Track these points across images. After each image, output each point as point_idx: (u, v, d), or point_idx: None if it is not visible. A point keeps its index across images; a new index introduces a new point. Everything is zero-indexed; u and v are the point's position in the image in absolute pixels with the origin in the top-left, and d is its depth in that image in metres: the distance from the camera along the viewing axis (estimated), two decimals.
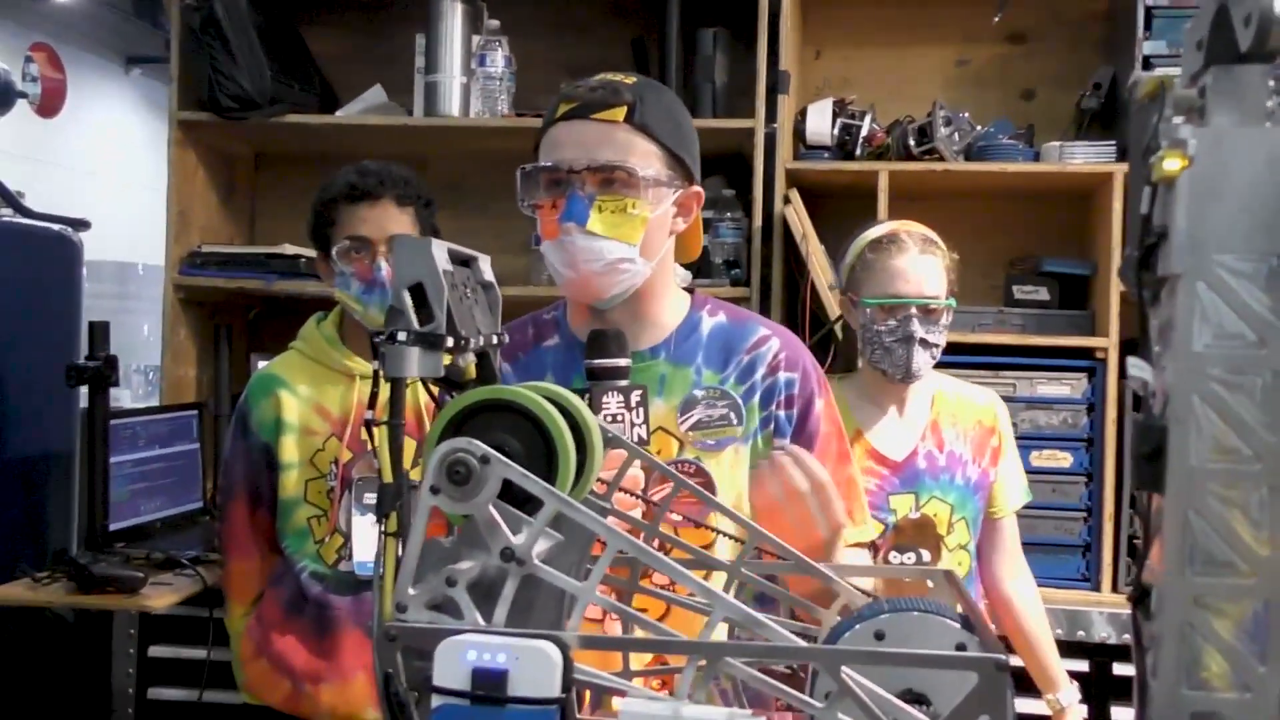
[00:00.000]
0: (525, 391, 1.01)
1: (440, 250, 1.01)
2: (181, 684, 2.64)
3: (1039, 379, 2.78)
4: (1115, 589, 2.69)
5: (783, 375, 1.57)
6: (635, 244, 1.48)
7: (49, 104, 9.68)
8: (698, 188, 1.58)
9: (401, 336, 0.96)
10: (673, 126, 1.53)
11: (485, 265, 1.15)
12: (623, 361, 1.39)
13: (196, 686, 2.53)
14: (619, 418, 1.39)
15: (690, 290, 1.65)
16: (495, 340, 1.10)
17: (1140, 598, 0.78)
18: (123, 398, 5.43)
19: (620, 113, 1.48)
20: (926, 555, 2.18)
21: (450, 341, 0.99)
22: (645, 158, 1.49)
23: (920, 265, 2.17)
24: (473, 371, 1.07)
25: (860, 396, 2.27)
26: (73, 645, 2.87)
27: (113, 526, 2.63)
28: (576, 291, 1.53)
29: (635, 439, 1.40)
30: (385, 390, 0.97)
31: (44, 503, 2.94)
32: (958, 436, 2.25)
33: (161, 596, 2.41)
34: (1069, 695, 2.30)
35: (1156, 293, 0.79)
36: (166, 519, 2.88)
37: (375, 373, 0.96)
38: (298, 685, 2.15)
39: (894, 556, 2.17)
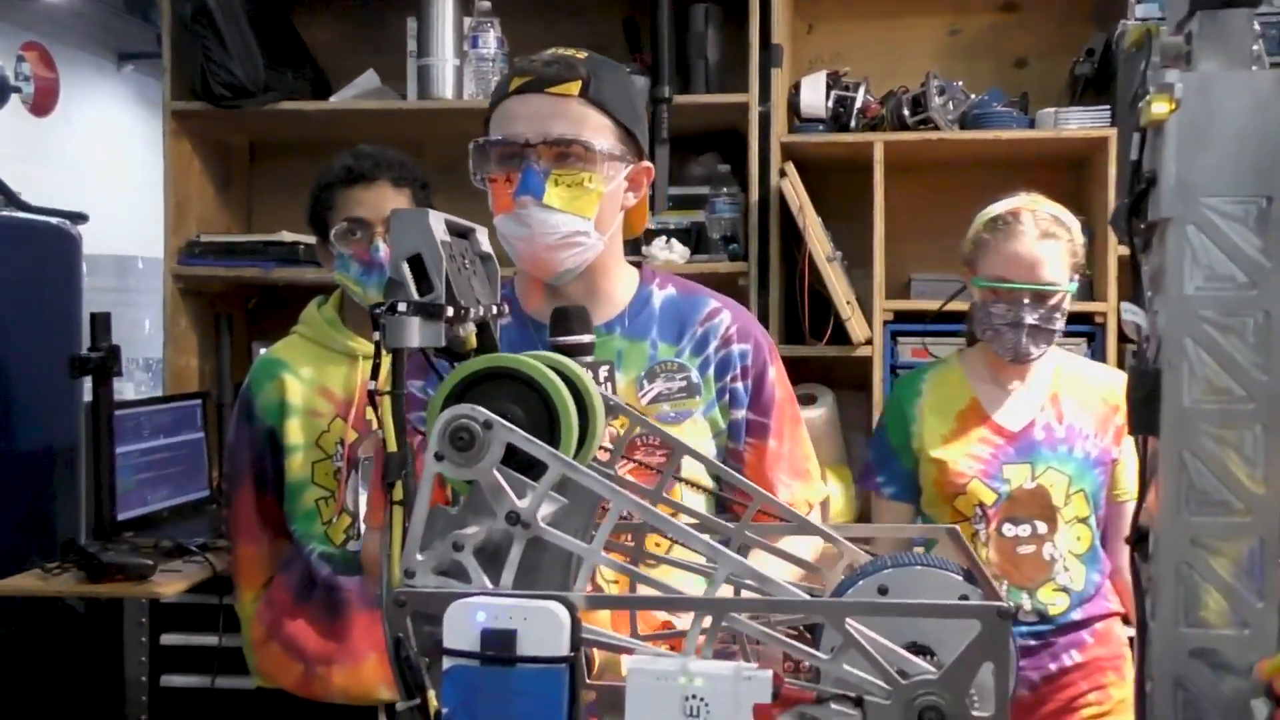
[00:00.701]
0: (527, 359, 1.02)
1: (438, 221, 1.01)
2: (194, 671, 2.66)
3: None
4: None
5: (736, 347, 1.60)
6: (590, 218, 1.50)
7: (42, 102, 9.67)
8: (648, 163, 1.59)
9: (401, 307, 0.97)
10: (624, 101, 1.55)
11: (483, 237, 1.15)
12: (587, 338, 1.37)
13: (209, 673, 2.54)
14: None
15: (638, 264, 1.67)
16: (495, 311, 1.11)
17: (1138, 540, 0.79)
18: (125, 391, 5.45)
19: (575, 87, 1.49)
20: (1042, 526, 2.14)
21: (450, 311, 1.00)
22: (599, 132, 1.50)
23: (1037, 251, 2.11)
24: (473, 342, 1.08)
25: (978, 369, 2.25)
26: (85, 636, 2.88)
27: (120, 516, 2.65)
28: (532, 265, 1.53)
29: None
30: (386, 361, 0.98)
31: (51, 495, 2.95)
32: (1079, 410, 2.20)
33: (171, 583, 2.42)
34: None
35: (1148, 239, 0.79)
36: (173, 508, 2.89)
37: (376, 344, 0.97)
38: (310, 668, 2.17)
39: (1007, 527, 2.13)
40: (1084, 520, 2.17)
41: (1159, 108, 0.72)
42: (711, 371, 1.59)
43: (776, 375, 1.62)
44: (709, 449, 1.57)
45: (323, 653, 2.16)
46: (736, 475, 1.24)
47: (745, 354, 1.60)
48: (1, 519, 2.76)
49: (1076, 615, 2.16)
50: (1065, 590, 2.15)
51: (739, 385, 1.59)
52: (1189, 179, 0.74)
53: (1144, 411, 0.76)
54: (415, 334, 0.97)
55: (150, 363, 6.21)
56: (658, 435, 1.31)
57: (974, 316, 2.22)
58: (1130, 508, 2.21)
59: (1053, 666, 2.15)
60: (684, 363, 1.58)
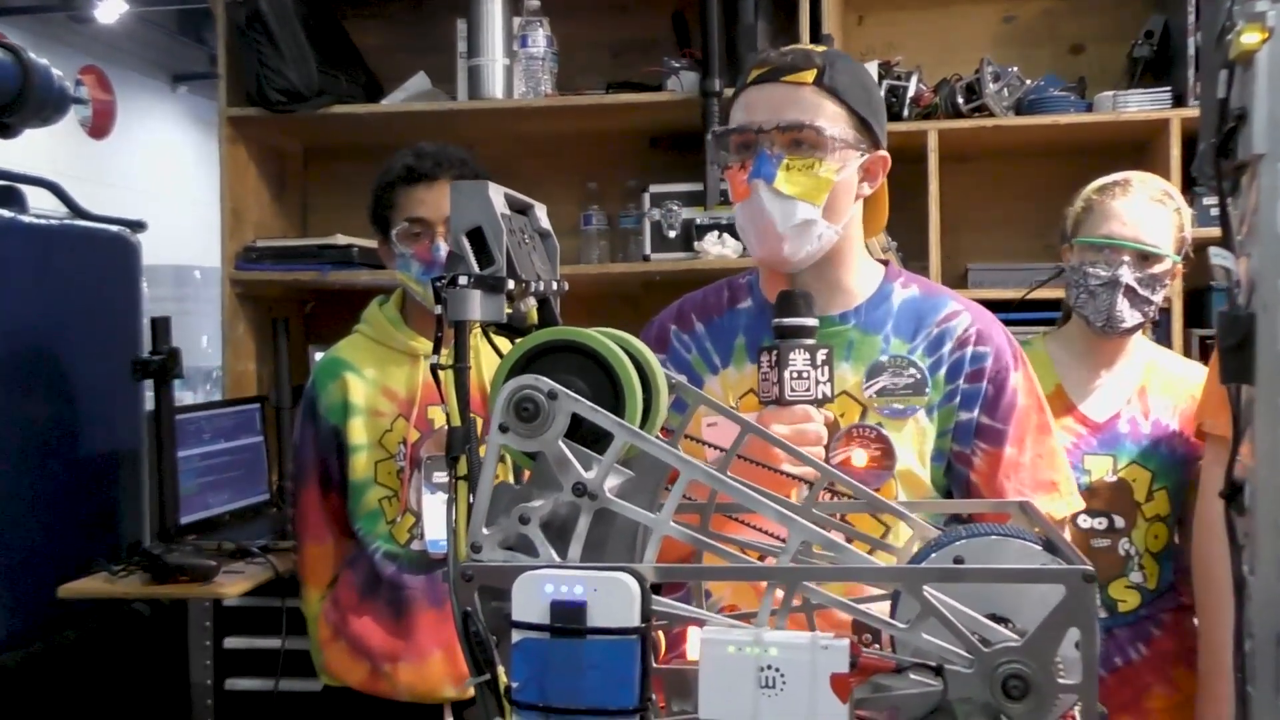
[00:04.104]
0: (589, 332, 1.00)
1: (497, 194, 1.00)
2: (257, 674, 2.67)
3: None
4: None
5: (970, 349, 1.55)
6: (819, 205, 1.48)
7: (100, 125, 9.86)
8: (884, 153, 1.57)
9: (462, 280, 0.96)
10: (860, 91, 1.54)
11: (541, 213, 1.14)
12: (810, 321, 1.42)
13: (272, 676, 2.56)
14: (804, 374, 1.41)
15: (885, 262, 1.65)
16: (555, 286, 1.10)
17: (1232, 495, 0.76)
18: (185, 400, 5.50)
19: (809, 75, 1.49)
20: (1120, 521, 2.08)
21: (511, 285, 0.98)
22: (833, 119, 1.49)
23: (1144, 211, 2.05)
24: (534, 316, 1.07)
25: (1066, 351, 2.17)
26: (151, 640, 2.91)
27: (183, 520, 2.67)
28: (764, 253, 1.53)
29: (819, 396, 1.41)
30: None
31: (116, 499, 2.98)
32: (1167, 407, 2.12)
33: (234, 584, 2.44)
34: None
35: (1236, 181, 0.76)
36: (234, 511, 2.91)
37: (438, 317, 0.96)
38: (376, 666, 2.17)
39: (1083, 519, 2.07)
40: (1164, 519, 2.11)
41: (1250, 38, 0.69)
42: (943, 372, 1.54)
43: (1021, 382, 1.56)
44: (928, 449, 1.54)
45: (389, 650, 2.16)
46: (807, 454, 1.21)
47: (981, 356, 1.54)
48: (68, 523, 2.79)
49: (1144, 611, 2.10)
50: (1137, 588, 2.09)
51: (970, 387, 1.54)
52: None
53: (1237, 359, 0.73)
54: (477, 307, 0.96)
55: (207, 372, 6.27)
56: (735, 422, 1.29)
57: (1069, 285, 2.14)
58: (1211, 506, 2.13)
59: (1118, 660, 2.09)
60: (914, 360, 1.54)
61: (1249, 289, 0.73)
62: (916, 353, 1.55)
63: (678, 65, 3.01)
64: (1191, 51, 2.81)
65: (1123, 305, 2.04)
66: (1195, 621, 2.14)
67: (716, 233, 2.97)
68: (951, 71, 3.01)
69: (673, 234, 3.03)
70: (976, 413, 1.53)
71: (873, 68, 2.98)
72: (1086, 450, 2.11)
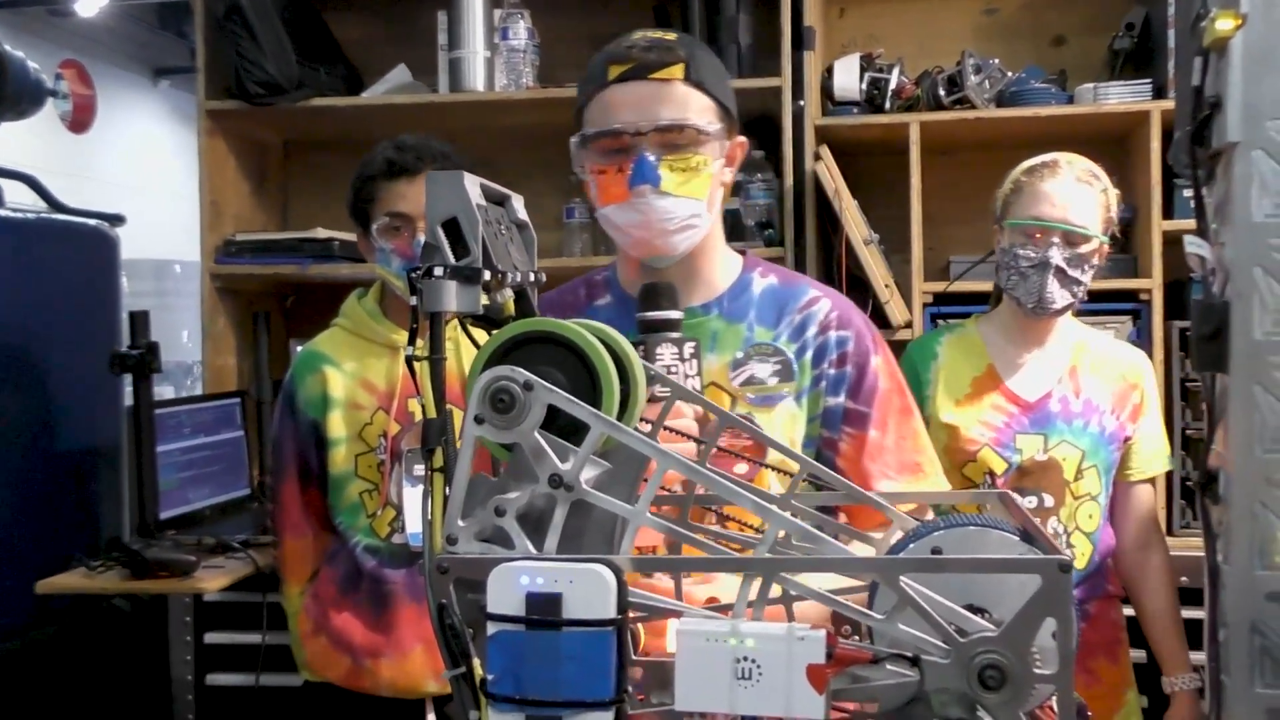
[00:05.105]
0: (567, 323, 1.00)
1: (473, 184, 0.99)
2: (238, 669, 2.66)
3: (1083, 323, 2.73)
4: (1170, 530, 2.64)
5: (834, 334, 1.56)
6: (704, 199, 1.49)
7: (80, 119, 9.79)
8: (742, 138, 1.58)
9: (438, 271, 0.95)
10: (720, 79, 1.54)
11: (518, 204, 1.13)
12: (675, 314, 1.41)
13: (253, 671, 2.55)
14: (673, 370, 1.39)
15: (742, 253, 1.65)
16: (533, 277, 1.09)
17: (1207, 483, 0.76)
18: (165, 394, 5.47)
19: (678, 70, 1.48)
20: (1049, 499, 2.10)
21: (487, 275, 0.98)
22: (703, 113, 1.49)
23: (1072, 192, 2.08)
24: (511, 308, 1.06)
25: (997, 332, 2.20)
26: (131, 636, 2.90)
27: (163, 515, 2.65)
28: (647, 251, 1.52)
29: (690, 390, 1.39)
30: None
31: (95, 495, 2.97)
32: (1097, 386, 2.15)
33: (214, 579, 2.42)
34: (1184, 681, 2.17)
35: (1211, 169, 0.76)
36: (215, 506, 2.90)
37: (413, 308, 0.95)
38: (357, 661, 2.16)
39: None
40: (1095, 498, 2.14)
41: (1223, 25, 0.69)
42: (809, 357, 1.55)
43: (882, 365, 1.58)
44: (800, 435, 1.54)
45: (370, 645, 2.16)
46: (786, 447, 1.20)
47: (844, 340, 1.56)
48: (46, 519, 2.78)
49: (1074, 594, 2.12)
50: None
51: (833, 371, 1.55)
52: (1255, 102, 0.70)
53: (1211, 347, 0.73)
54: (452, 298, 0.95)
55: (187, 366, 6.25)
56: (711, 410, 1.29)
57: (1000, 268, 2.16)
58: (1140, 490, 2.21)
59: None
60: (780, 347, 1.55)
61: (1224, 277, 0.73)
62: (781, 339, 1.55)
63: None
64: (1172, 44, 2.82)
65: (1053, 286, 2.07)
66: (1122, 612, 2.20)
67: None
68: (933, 64, 3.01)
69: None
70: (843, 397, 1.54)
71: (854, 59, 2.99)
72: (1018, 429, 2.14)
